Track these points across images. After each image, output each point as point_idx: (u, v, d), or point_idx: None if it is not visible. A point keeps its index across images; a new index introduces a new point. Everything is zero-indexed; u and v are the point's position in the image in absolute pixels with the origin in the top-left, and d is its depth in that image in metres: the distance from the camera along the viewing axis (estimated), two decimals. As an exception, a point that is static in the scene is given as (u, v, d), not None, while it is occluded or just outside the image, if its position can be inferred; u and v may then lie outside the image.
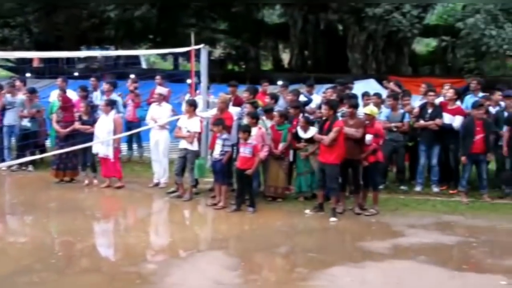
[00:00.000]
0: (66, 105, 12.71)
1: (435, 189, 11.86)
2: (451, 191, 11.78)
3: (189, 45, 12.38)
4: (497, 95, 12.24)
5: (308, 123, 10.97)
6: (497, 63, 24.52)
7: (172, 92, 14.71)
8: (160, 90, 12.88)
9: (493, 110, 11.96)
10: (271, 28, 29.58)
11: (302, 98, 12.75)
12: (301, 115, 11.37)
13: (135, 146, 14.85)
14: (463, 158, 11.15)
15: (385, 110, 12.24)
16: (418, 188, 11.93)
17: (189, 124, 11.29)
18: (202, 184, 11.99)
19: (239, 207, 10.56)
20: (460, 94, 12.29)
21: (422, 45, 33.02)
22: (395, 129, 11.74)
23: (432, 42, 30.36)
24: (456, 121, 11.50)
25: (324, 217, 10.14)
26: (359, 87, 13.90)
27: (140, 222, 10.66)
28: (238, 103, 12.15)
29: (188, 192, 11.40)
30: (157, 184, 12.39)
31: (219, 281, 7.34)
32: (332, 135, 9.85)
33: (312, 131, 10.64)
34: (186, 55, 14.69)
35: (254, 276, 7.62)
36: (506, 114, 11.65)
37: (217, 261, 8.06)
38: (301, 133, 10.99)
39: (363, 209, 10.51)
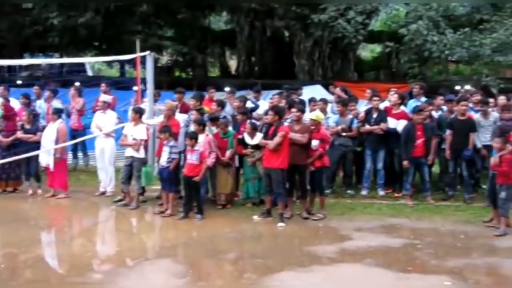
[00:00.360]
0: (8, 114, 12.45)
1: (381, 192, 12.03)
2: (396, 195, 11.97)
3: (134, 52, 12.27)
4: (439, 99, 12.51)
5: (255, 129, 10.98)
6: (439, 68, 25.02)
7: (118, 100, 14.56)
8: (104, 97, 12.73)
9: (436, 114, 12.19)
10: (218, 34, 29.62)
11: (249, 104, 12.79)
12: (248, 121, 11.38)
13: (80, 154, 14.63)
14: (405, 162, 11.31)
15: (333, 116, 12.37)
16: (364, 192, 12.08)
17: (135, 132, 11.20)
18: (149, 192, 11.90)
19: (187, 215, 10.50)
20: (404, 99, 12.50)
21: (367, 51, 33.55)
22: (343, 134, 11.87)
23: (377, 48, 30.90)
24: (400, 126, 11.68)
25: (272, 223, 10.16)
26: (305, 93, 14.03)
27: (86, 231, 10.50)
28: (185, 110, 12.10)
29: (135, 200, 11.29)
30: (103, 193, 12.26)
31: (167, 289, 7.28)
32: (277, 139, 9.89)
33: (259, 137, 10.65)
34: (132, 62, 14.53)
35: (202, 283, 7.56)
36: (448, 118, 11.90)
37: (165, 269, 7.97)
38: (248, 139, 11.00)
39: (311, 213, 10.57)
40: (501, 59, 18.28)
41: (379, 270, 8.06)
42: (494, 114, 11.73)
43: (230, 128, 11.37)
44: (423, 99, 12.69)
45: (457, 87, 15.33)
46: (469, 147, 11.35)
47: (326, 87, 17.26)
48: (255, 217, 10.48)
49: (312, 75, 23.86)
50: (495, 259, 8.46)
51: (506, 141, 9.50)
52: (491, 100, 12.90)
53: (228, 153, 11.08)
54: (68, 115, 14.04)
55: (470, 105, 12.26)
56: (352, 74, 25.34)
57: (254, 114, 12.69)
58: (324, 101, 12.92)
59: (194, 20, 26.91)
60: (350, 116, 12.05)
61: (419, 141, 11.24)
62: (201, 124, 10.91)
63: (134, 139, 11.16)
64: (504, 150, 9.40)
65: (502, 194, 9.38)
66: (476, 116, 11.79)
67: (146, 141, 11.40)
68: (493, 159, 9.52)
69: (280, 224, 10.02)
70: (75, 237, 10.11)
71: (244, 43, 25.82)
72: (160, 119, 11.55)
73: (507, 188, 9.39)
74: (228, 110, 12.58)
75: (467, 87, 15.09)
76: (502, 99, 13.07)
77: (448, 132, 11.63)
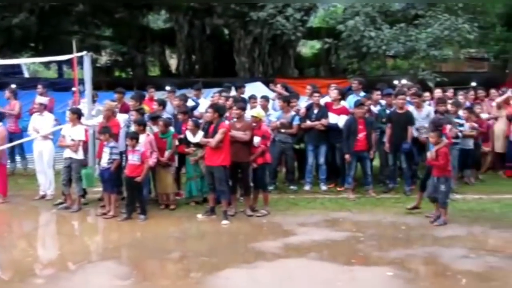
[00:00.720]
0: None
1: (323, 187, 12.16)
2: (338, 189, 12.12)
3: (72, 52, 12.05)
4: (376, 94, 12.69)
5: (197, 127, 10.93)
6: (377, 63, 25.40)
7: (56, 101, 14.29)
8: (41, 99, 12.45)
9: (374, 109, 12.38)
10: (157, 33, 29.35)
11: (190, 102, 12.75)
12: (189, 119, 11.32)
13: (18, 158, 14.28)
14: (347, 156, 11.45)
15: (275, 113, 12.43)
16: (307, 187, 12.18)
17: (73, 133, 11.01)
18: (91, 193, 11.72)
19: (130, 215, 10.39)
20: (344, 94, 12.66)
21: (307, 48, 33.81)
22: (282, 130, 11.93)
23: (316, 45, 31.17)
24: (341, 121, 11.81)
25: (216, 221, 10.16)
26: (246, 90, 14.03)
27: (27, 236, 10.25)
28: (125, 110, 11.97)
29: (77, 202, 11.11)
30: (43, 197, 12.01)
31: (111, 291, 7.20)
32: (218, 136, 9.88)
33: (201, 135, 10.61)
34: (70, 63, 14.30)
35: (147, 284, 7.50)
36: (387, 112, 12.11)
37: (109, 271, 7.87)
38: (190, 137, 10.94)
39: (254, 210, 10.60)
40: (437, 54, 18.68)
41: (323, 263, 8.19)
42: (428, 108, 11.98)
43: (171, 128, 11.28)
44: (362, 94, 12.86)
45: (395, 82, 15.57)
46: (408, 140, 11.56)
47: (267, 84, 17.31)
48: (199, 216, 10.45)
49: (252, 72, 23.90)
50: (435, 249, 8.66)
51: (441, 135, 9.71)
52: (427, 94, 13.20)
53: (166, 153, 10.99)
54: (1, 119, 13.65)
55: (408, 98, 12.50)
56: (292, 70, 25.49)
57: (196, 112, 12.66)
58: (266, 99, 12.98)
59: (132, 19, 26.61)
60: (293, 113, 12.12)
61: (361, 135, 11.40)
62: (142, 124, 10.80)
63: (72, 140, 10.96)
64: (439, 144, 9.59)
65: (442, 187, 9.58)
66: (410, 108, 12.03)
67: (85, 142, 11.20)
68: (430, 153, 9.69)
69: (224, 221, 10.01)
70: (16, 242, 9.81)
71: (184, 42, 25.66)
72: (99, 119, 11.38)
73: (446, 180, 9.62)
74: (169, 109, 12.51)
75: (404, 81, 15.36)
76: (438, 93, 13.44)
77: (387, 125, 11.82)
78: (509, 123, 12.75)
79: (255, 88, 16.15)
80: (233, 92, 13.84)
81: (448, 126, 10.47)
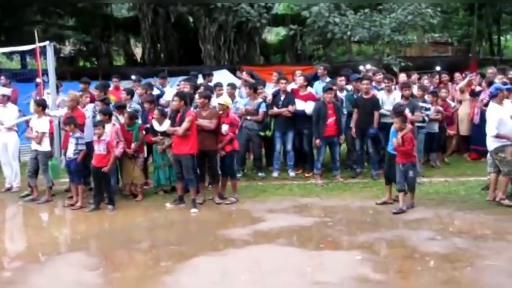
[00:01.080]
0: None
1: (291, 173, 12.20)
2: (306, 175, 12.18)
3: (34, 43, 11.87)
4: (339, 80, 12.71)
5: (164, 116, 10.86)
6: (343, 49, 25.53)
7: (20, 92, 14.08)
8: (4, 91, 12.23)
9: (341, 94, 12.42)
10: (121, 22, 29.10)
11: (155, 91, 12.68)
12: (156, 108, 11.25)
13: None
14: (317, 141, 11.50)
15: (242, 100, 12.41)
16: (275, 174, 12.21)
17: (37, 124, 10.85)
18: (58, 185, 11.60)
19: (98, 206, 10.32)
20: (310, 81, 12.69)
21: (273, 34, 33.80)
22: (248, 117, 11.93)
23: (282, 31, 31.18)
24: (308, 107, 11.85)
25: (185, 209, 10.14)
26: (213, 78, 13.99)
27: (-7, 229, 10.11)
28: (91, 100, 11.85)
29: (46, 194, 11.03)
30: (9, 189, 11.88)
31: (80, 282, 7.13)
32: (185, 125, 9.85)
33: (167, 123, 10.54)
34: (33, 53, 14.10)
35: (116, 274, 7.47)
36: (354, 97, 12.17)
37: (77, 262, 7.82)
38: (157, 126, 10.87)
39: (223, 198, 10.60)
40: (401, 39, 18.80)
41: (292, 249, 8.22)
42: (395, 92, 12.07)
43: (138, 121, 11.18)
44: (328, 79, 12.90)
45: (361, 67, 15.64)
46: (374, 125, 11.64)
47: (233, 71, 17.29)
48: (168, 205, 10.42)
49: (218, 60, 23.84)
50: (402, 232, 8.78)
51: (405, 120, 9.73)
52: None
53: (133, 145, 10.91)
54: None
55: (374, 84, 12.60)
56: (258, 58, 25.52)
57: (162, 101, 12.60)
58: (232, 86, 12.97)
59: (95, 8, 26.31)
60: (259, 100, 12.12)
61: (331, 120, 11.44)
62: (107, 114, 10.69)
63: (36, 132, 10.82)
64: (404, 130, 9.63)
65: (410, 173, 9.60)
66: (380, 93, 12.11)
67: (51, 133, 11.07)
68: (395, 140, 9.61)
69: (193, 210, 10.00)
70: (-19, 236, 9.73)
71: (148, 30, 25.43)
72: (65, 110, 11.25)
73: (413, 166, 9.68)
74: (136, 98, 12.42)
75: (368, 66, 15.43)
76: (402, 77, 13.53)
77: (354, 111, 11.90)
78: (473, 104, 12.89)
79: (221, 76, 16.12)
80: (201, 80, 13.80)
81: (407, 111, 10.50)
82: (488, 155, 10.17)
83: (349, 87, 12.69)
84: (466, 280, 6.95)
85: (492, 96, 9.99)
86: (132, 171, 11.00)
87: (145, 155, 11.35)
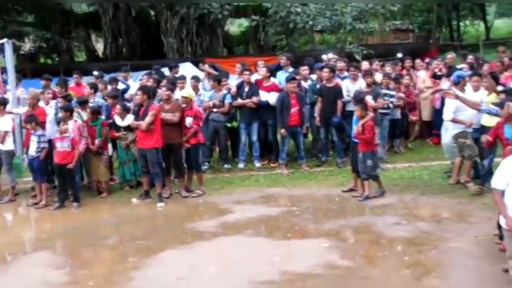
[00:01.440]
0: None
1: (257, 164, 12.22)
2: (272, 165, 12.20)
3: (-8, 40, 11.70)
4: (302, 70, 12.74)
5: (125, 111, 10.77)
6: (305, 38, 25.62)
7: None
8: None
9: (305, 84, 12.46)
10: (81, 17, 28.78)
11: (121, 85, 12.60)
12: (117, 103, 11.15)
13: None
14: (282, 131, 11.53)
15: (207, 93, 12.37)
16: (241, 165, 12.22)
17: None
18: (21, 184, 11.45)
19: (63, 204, 10.23)
20: (273, 71, 12.70)
21: (236, 26, 33.73)
22: (215, 110, 11.91)
23: (245, 22, 31.13)
24: (272, 97, 11.86)
25: (151, 204, 10.11)
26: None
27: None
28: (55, 96, 11.70)
29: (10, 193, 10.90)
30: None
31: (47, 281, 7.08)
32: (148, 119, 9.80)
33: (130, 118, 10.46)
34: (-9, 51, 13.90)
35: (83, 272, 7.40)
36: (318, 86, 12.20)
37: (43, 261, 7.76)
38: (119, 121, 10.77)
39: (189, 191, 10.58)
40: (362, 27, 18.95)
41: (260, 239, 8.27)
42: (360, 80, 12.14)
43: (102, 117, 11.08)
44: (291, 69, 12.93)
45: (323, 56, 15.71)
46: (337, 113, 11.71)
47: (197, 64, 17.23)
48: (134, 200, 10.37)
49: (182, 53, 23.75)
50: (368, 218, 8.89)
51: (365, 108, 9.79)
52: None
53: (97, 141, 10.82)
54: None
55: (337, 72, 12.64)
56: (221, 49, 25.49)
57: (126, 95, 12.52)
58: (196, 79, 12.91)
59: (55, 4, 25.94)
60: (225, 91, 12.10)
61: (294, 110, 11.46)
62: (68, 110, 10.57)
63: (-2, 131, 10.67)
64: (365, 118, 9.68)
65: (369, 162, 9.64)
66: (346, 81, 12.16)
67: (12, 132, 10.92)
68: (356, 128, 9.67)
69: (160, 204, 9.96)
70: None
71: (109, 25, 25.25)
72: (26, 108, 11.10)
73: (372, 154, 9.74)
74: (100, 93, 12.30)
75: (330, 55, 15.51)
76: (365, 65, 13.59)
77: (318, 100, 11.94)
78: (435, 85, 12.99)
79: (185, 69, 16.06)
80: (167, 72, 13.74)
81: (369, 98, 10.57)
82: (442, 141, 10.33)
83: (314, 76, 12.72)
84: (431, 262, 7.06)
85: (455, 84, 10.12)
86: (98, 168, 10.90)
87: (110, 153, 11.26)
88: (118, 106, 10.80)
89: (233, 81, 12.93)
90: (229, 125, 12.17)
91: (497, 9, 32.45)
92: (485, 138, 8.10)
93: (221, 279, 6.88)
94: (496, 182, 5.86)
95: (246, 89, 12.09)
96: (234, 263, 7.32)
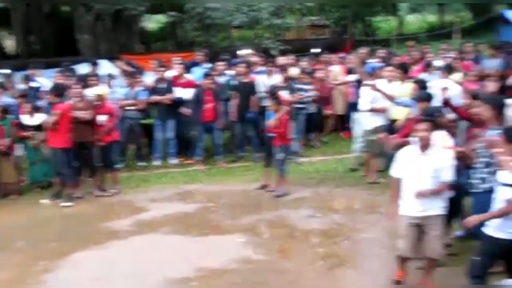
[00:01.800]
0: None
1: (173, 161, 12.11)
2: (188, 161, 12.11)
3: None
4: (218, 65, 12.72)
5: (35, 109, 10.44)
6: (223, 34, 25.59)
7: None
8: None
9: (221, 79, 12.42)
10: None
11: (35, 84, 12.28)
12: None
13: None
14: (197, 128, 11.47)
15: (120, 90, 12.16)
16: (157, 163, 12.09)
17: None
18: None
19: (-31, 208, 9.84)
20: (189, 67, 12.63)
21: (153, 22, 33.31)
22: (132, 108, 11.73)
23: (163, 19, 30.82)
24: (188, 94, 11.79)
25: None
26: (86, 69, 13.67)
27: None
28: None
29: None
30: None
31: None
32: (52, 118, 9.58)
33: (40, 117, 10.15)
34: None
35: (-9, 277, 7.16)
36: (234, 82, 12.19)
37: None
38: (27, 120, 10.43)
39: (103, 190, 10.38)
40: (279, 22, 19.10)
41: (176, 236, 8.22)
42: (277, 76, 12.21)
43: (11, 116, 10.71)
44: (209, 65, 12.89)
45: (240, 52, 15.75)
46: (252, 109, 11.74)
47: (113, 61, 16.91)
48: (45, 201, 10.06)
49: (97, 50, 23.26)
50: (283, 212, 8.97)
51: (279, 102, 9.83)
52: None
53: (6, 141, 10.41)
54: None
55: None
56: (138, 46, 25.11)
57: (39, 93, 12.19)
58: (110, 76, 12.69)
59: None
60: (141, 88, 11.93)
61: (209, 106, 11.42)
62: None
63: None
64: (279, 112, 9.71)
65: (280, 156, 9.70)
66: (262, 76, 12.20)
67: None
68: (271, 121, 9.71)
69: (67, 203, 9.75)
70: None
71: (20, 22, 24.41)
72: None
73: (285, 149, 9.82)
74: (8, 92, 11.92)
75: (246, 51, 15.56)
76: (282, 60, 13.71)
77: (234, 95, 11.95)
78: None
79: (101, 66, 15.72)
80: (83, 70, 13.45)
81: (285, 93, 10.64)
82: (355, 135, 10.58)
83: (232, 72, 12.70)
84: (344, 253, 7.25)
85: (369, 76, 10.33)
86: (6, 170, 10.51)
87: (21, 153, 10.89)
88: (26, 105, 10.46)
89: (148, 78, 12.76)
90: (145, 122, 12.02)
91: (409, 4, 33.22)
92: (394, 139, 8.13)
93: (137, 278, 6.81)
94: (394, 170, 6.19)
95: (162, 85, 11.96)
96: (150, 261, 7.27)
